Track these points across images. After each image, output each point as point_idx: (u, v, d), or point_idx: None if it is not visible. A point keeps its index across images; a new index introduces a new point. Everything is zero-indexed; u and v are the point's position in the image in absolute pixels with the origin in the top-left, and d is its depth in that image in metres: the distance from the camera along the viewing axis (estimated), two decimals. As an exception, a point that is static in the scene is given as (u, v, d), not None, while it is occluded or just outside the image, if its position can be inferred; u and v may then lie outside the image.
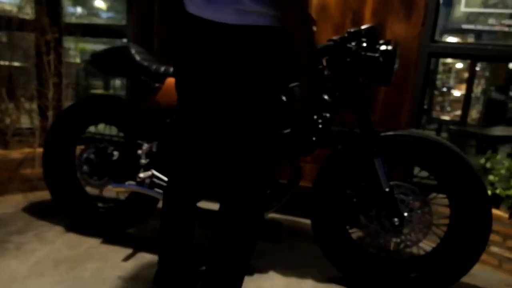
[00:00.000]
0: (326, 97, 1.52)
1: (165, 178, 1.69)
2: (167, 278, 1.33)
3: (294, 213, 2.33)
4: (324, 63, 1.53)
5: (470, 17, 1.89)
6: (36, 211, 2.15)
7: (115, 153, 1.84)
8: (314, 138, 1.51)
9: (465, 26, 1.94)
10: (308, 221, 1.69)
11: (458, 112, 5.15)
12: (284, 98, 1.50)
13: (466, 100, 4.59)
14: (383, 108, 2.06)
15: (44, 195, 2.34)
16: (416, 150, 1.48)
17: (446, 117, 5.60)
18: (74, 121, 1.90)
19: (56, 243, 1.81)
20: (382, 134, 1.51)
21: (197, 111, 1.20)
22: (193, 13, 1.07)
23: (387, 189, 1.48)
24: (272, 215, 2.27)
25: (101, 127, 1.97)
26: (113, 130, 2.00)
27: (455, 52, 1.96)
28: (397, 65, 1.45)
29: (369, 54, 1.44)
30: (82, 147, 1.90)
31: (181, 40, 1.13)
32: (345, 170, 1.57)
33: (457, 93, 6.10)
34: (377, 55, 1.44)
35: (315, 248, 1.71)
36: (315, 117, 1.51)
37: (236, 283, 1.18)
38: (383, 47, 1.44)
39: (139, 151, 1.72)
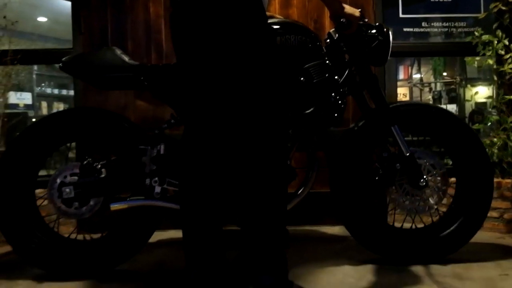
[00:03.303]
0: (336, 77, 1.58)
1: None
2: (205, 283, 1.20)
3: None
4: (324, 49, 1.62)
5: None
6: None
7: (103, 170, 1.54)
8: (336, 115, 1.54)
9: (406, 29, 2.31)
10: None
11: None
12: (302, 78, 1.53)
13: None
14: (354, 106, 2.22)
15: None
16: (423, 118, 1.62)
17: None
18: (39, 144, 1.56)
19: (34, 295, 1.36)
20: (391, 106, 1.62)
21: (207, 100, 1.17)
22: None
23: (408, 154, 1.56)
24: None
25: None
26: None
27: (402, 50, 2.29)
28: (391, 45, 1.62)
29: (370, 32, 1.59)
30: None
31: (181, 29, 1.15)
32: (365, 147, 1.62)
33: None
34: (376, 33, 1.59)
35: (330, 246, 1.75)
36: (333, 94, 1.55)
37: (278, 234, 1.12)
38: (378, 28, 1.60)
39: (144, 158, 1.47)
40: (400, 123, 1.59)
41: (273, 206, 1.11)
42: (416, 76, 11.35)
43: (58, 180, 1.52)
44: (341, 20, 1.44)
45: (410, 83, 11.16)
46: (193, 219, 1.22)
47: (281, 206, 1.13)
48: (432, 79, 10.80)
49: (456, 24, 2.33)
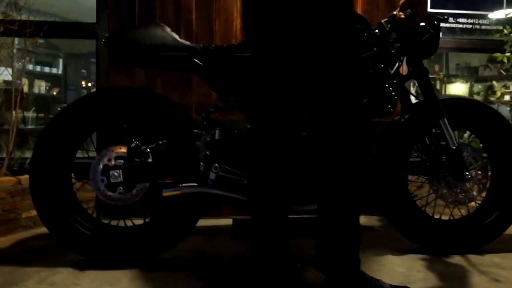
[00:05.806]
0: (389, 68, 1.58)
1: (237, 172, 1.42)
2: (270, 271, 1.19)
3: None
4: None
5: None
6: (8, 261, 1.52)
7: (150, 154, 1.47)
8: (389, 106, 1.54)
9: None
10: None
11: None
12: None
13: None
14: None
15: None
16: (467, 112, 1.65)
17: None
18: (78, 125, 1.47)
19: (81, 283, 1.29)
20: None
21: (281, 89, 1.14)
22: None
23: (454, 147, 1.59)
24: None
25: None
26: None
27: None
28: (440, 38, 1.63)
29: (422, 25, 1.59)
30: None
31: (257, 13, 1.11)
32: (410, 138, 1.63)
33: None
34: (428, 26, 1.59)
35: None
36: (386, 85, 1.54)
37: (355, 225, 1.11)
38: (430, 20, 1.60)
39: (198, 143, 1.42)
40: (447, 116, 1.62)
41: (352, 196, 1.11)
42: (398, 70, 11.74)
43: (101, 164, 1.44)
44: (409, 11, 1.43)
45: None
46: (263, 210, 1.21)
47: (358, 196, 1.13)
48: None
49: (480, 21, 2.38)
